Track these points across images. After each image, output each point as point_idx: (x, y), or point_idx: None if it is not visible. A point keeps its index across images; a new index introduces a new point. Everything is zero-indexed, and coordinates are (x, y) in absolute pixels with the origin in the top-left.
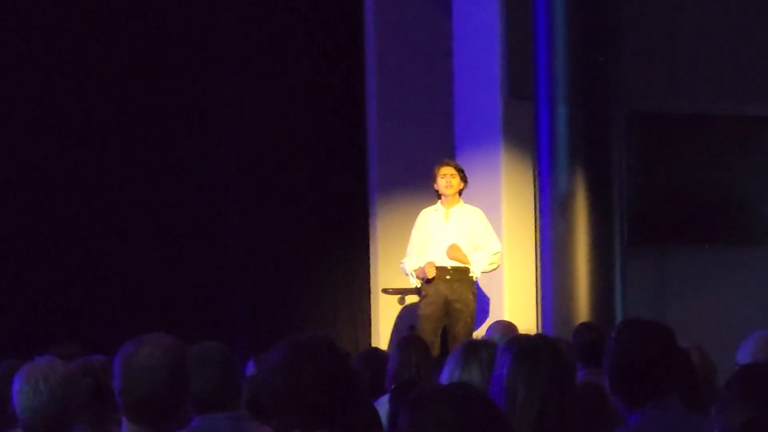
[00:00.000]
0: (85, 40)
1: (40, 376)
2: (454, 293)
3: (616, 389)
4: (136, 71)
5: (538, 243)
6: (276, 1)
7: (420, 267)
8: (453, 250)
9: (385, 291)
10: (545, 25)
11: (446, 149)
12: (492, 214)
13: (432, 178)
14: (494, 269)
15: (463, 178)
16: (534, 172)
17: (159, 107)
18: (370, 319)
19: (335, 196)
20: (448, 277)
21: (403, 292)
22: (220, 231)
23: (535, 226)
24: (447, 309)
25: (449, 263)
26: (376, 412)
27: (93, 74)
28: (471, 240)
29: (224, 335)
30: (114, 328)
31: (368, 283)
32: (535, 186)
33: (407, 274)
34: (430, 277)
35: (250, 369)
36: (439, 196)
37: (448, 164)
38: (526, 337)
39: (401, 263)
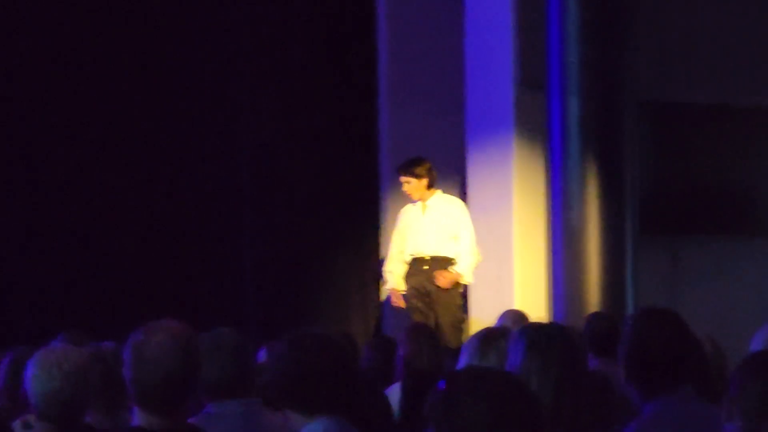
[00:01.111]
0: (101, 42)
1: (54, 362)
2: (431, 282)
3: (631, 378)
4: (148, 69)
5: (550, 233)
6: None
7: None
8: (441, 278)
9: None
10: (558, 14)
11: (458, 139)
12: (503, 203)
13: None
14: (479, 260)
15: (420, 175)
16: (546, 161)
17: (170, 94)
18: (380, 308)
19: (346, 186)
20: (426, 267)
21: None
22: (233, 222)
23: (547, 216)
24: (431, 300)
25: (427, 253)
26: (386, 399)
27: (110, 74)
28: (448, 229)
29: (237, 323)
30: (126, 316)
31: (379, 272)
32: (546, 176)
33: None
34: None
35: (263, 356)
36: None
37: (400, 173)
38: (540, 325)
39: (385, 270)
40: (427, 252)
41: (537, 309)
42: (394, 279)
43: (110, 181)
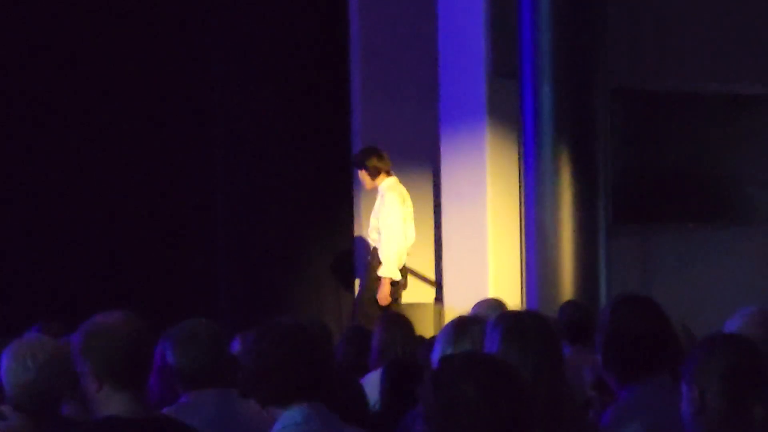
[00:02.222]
0: (81, 42)
1: (29, 353)
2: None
3: (609, 365)
4: (127, 69)
5: (523, 221)
6: None
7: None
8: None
9: None
10: (530, 2)
11: (431, 128)
12: (477, 192)
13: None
14: (391, 246)
15: (365, 168)
16: (519, 150)
17: (143, 90)
18: (353, 298)
19: (319, 176)
20: (369, 257)
21: None
22: (207, 213)
23: (520, 205)
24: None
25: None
26: (361, 388)
27: (88, 74)
28: (375, 222)
29: (210, 316)
30: (100, 308)
31: (352, 262)
32: (519, 164)
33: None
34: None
35: (236, 346)
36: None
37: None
38: (515, 313)
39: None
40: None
41: (511, 297)
42: None
43: (84, 176)
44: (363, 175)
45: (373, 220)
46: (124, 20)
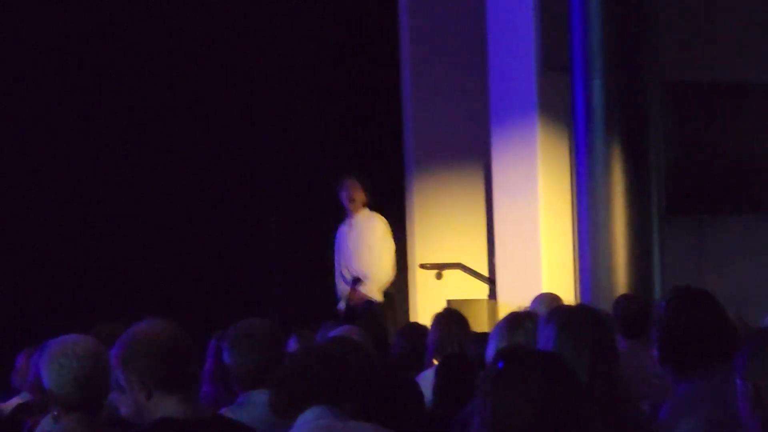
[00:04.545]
0: (126, 48)
1: (70, 352)
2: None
3: (665, 358)
4: (172, 72)
5: (576, 215)
6: None
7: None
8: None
9: (423, 266)
10: None
11: (482, 123)
12: (528, 186)
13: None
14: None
15: (356, 189)
16: (570, 144)
17: (197, 96)
18: (407, 294)
19: (371, 172)
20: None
21: (441, 267)
22: (259, 208)
23: (572, 199)
24: None
25: (349, 275)
26: (416, 386)
27: (140, 81)
28: (365, 248)
29: (263, 314)
30: (151, 310)
31: (405, 258)
32: (571, 158)
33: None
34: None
35: (292, 345)
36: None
37: (344, 180)
38: (568, 308)
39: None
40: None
41: (564, 292)
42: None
43: (133, 182)
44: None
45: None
46: (171, 26)
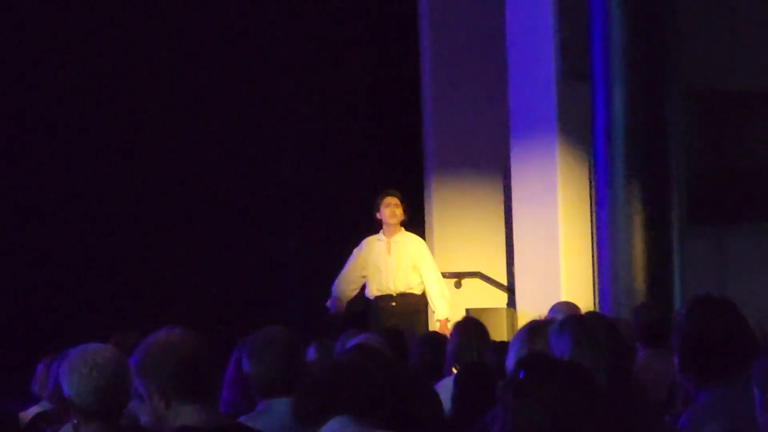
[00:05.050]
0: (152, 47)
1: (90, 360)
2: (399, 316)
3: (686, 367)
4: (194, 74)
5: (595, 224)
6: None
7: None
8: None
9: (442, 275)
10: (600, 3)
11: (501, 132)
12: (548, 195)
13: (375, 208)
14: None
15: (406, 210)
16: (590, 153)
17: (221, 100)
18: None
19: (391, 180)
20: (393, 303)
21: (460, 275)
22: (279, 218)
23: (592, 207)
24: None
25: (394, 290)
26: (436, 394)
27: (167, 79)
28: (414, 267)
29: (281, 321)
30: (177, 318)
31: None
32: (590, 167)
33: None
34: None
35: (312, 354)
36: (381, 226)
37: (392, 194)
38: (581, 317)
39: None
40: (395, 290)
41: (584, 300)
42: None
43: (155, 183)
44: (401, 214)
45: (406, 264)
46: (191, 27)
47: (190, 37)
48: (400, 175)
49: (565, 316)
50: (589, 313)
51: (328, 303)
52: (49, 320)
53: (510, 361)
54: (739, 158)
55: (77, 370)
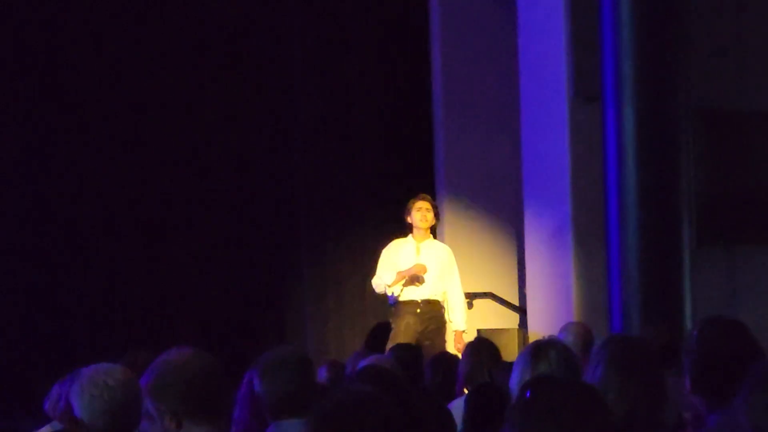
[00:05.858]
0: (164, 44)
1: (101, 380)
2: (423, 325)
3: (697, 388)
4: (204, 72)
5: (607, 245)
6: (344, 4)
7: (406, 270)
8: (459, 343)
9: None
10: (612, 25)
11: (513, 151)
12: (559, 216)
13: (406, 212)
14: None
15: (437, 215)
16: (601, 172)
17: (230, 103)
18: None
19: (402, 199)
20: (418, 310)
21: (471, 296)
22: (287, 232)
23: (604, 229)
24: (418, 342)
25: (419, 297)
26: (449, 414)
27: (176, 78)
28: (441, 275)
29: (292, 341)
30: (190, 336)
31: None
32: (602, 188)
33: (383, 289)
34: (423, 274)
35: (323, 374)
36: (410, 229)
37: (424, 198)
38: (623, 339)
39: (375, 283)
40: (419, 296)
41: (595, 321)
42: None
43: (162, 189)
44: (432, 219)
45: (434, 269)
46: (207, 26)
47: (195, 39)
48: (412, 195)
49: (575, 336)
50: (632, 337)
51: (389, 290)
52: (65, 337)
53: (514, 381)
54: (750, 179)
55: (88, 391)
